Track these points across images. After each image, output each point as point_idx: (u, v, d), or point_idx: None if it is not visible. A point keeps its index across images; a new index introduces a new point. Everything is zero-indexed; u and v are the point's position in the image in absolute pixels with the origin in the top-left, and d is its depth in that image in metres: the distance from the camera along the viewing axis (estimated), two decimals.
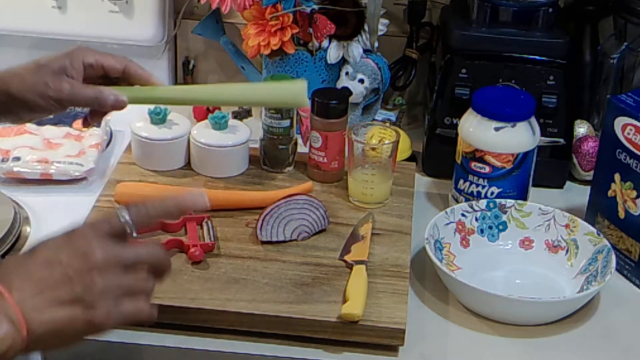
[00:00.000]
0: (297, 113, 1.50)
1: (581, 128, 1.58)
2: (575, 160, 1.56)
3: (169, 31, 1.72)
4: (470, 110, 1.42)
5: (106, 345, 1.19)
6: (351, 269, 1.28)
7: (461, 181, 1.43)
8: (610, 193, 1.37)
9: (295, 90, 1.21)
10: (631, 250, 1.35)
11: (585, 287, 1.29)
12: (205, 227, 1.32)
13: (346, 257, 1.31)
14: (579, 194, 1.51)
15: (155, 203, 0.96)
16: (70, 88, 1.14)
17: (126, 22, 1.67)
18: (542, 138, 1.44)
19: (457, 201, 1.44)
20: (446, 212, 1.37)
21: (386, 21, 1.63)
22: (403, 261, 1.31)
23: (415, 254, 1.36)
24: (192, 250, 1.26)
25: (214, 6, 1.59)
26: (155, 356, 1.20)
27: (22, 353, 0.83)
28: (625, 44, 1.57)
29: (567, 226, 1.37)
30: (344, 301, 1.21)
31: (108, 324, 0.86)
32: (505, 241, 1.39)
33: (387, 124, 1.51)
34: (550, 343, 1.24)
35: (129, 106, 1.69)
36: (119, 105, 1.16)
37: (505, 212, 1.39)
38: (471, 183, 1.42)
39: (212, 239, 1.30)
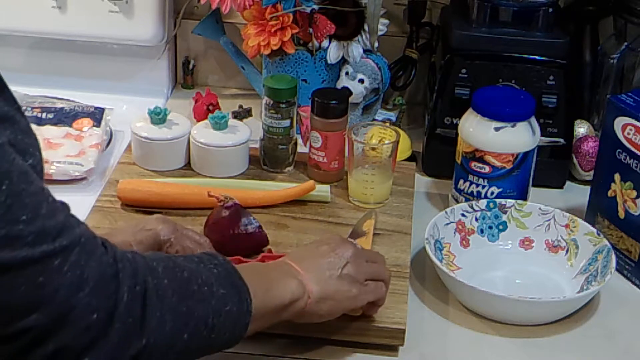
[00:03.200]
0: (297, 113, 1.50)
1: (581, 128, 1.58)
2: (575, 160, 1.56)
3: (169, 31, 1.72)
4: (470, 110, 1.42)
5: None
6: None
7: (461, 181, 1.43)
8: (610, 193, 1.37)
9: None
10: (631, 250, 1.35)
11: (585, 287, 1.29)
12: None
13: None
14: (579, 194, 1.51)
15: None
16: None
17: (126, 22, 1.67)
18: (542, 138, 1.44)
19: (457, 201, 1.44)
20: (446, 212, 1.37)
21: (386, 21, 1.63)
22: (403, 261, 1.31)
23: (415, 254, 1.36)
24: None
25: (214, 6, 1.59)
26: None
27: (302, 314, 1.10)
28: (625, 44, 1.57)
29: (567, 226, 1.37)
30: None
31: (362, 297, 1.14)
32: (505, 241, 1.39)
33: (387, 124, 1.51)
34: (550, 343, 1.24)
35: (128, 106, 1.70)
36: None
37: (505, 212, 1.39)
38: (471, 183, 1.42)
39: None
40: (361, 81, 1.61)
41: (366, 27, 1.59)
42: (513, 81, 1.50)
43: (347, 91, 1.56)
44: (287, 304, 1.07)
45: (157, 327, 0.90)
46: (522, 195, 1.43)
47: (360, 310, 1.17)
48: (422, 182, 1.55)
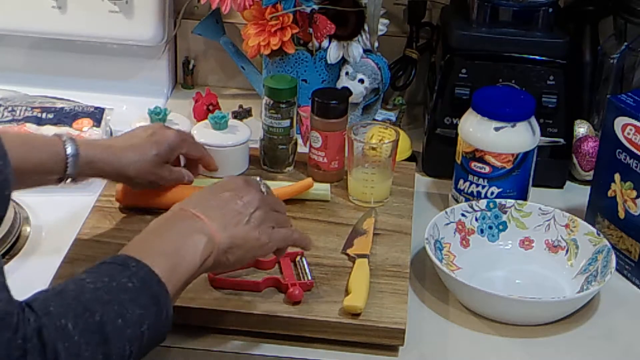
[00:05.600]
0: (297, 113, 1.50)
1: (581, 128, 1.58)
2: (575, 160, 1.56)
3: (169, 31, 1.72)
4: (470, 110, 1.42)
5: None
6: (354, 262, 1.28)
7: (461, 181, 1.43)
8: (610, 193, 1.37)
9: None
10: (631, 250, 1.35)
11: (585, 287, 1.29)
12: (300, 265, 1.28)
13: (349, 251, 1.31)
14: (579, 194, 1.51)
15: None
16: (169, 175, 1.33)
17: (126, 22, 1.67)
18: (542, 138, 1.44)
19: (457, 201, 1.44)
20: (446, 212, 1.37)
21: (386, 21, 1.63)
22: (403, 261, 1.31)
23: (415, 254, 1.36)
24: (291, 290, 1.21)
25: (214, 6, 1.59)
26: (155, 356, 1.20)
27: (210, 268, 1.08)
28: (625, 44, 1.57)
29: (567, 226, 1.37)
30: (347, 294, 1.22)
31: (270, 243, 1.14)
32: (505, 241, 1.39)
33: (387, 124, 1.51)
34: (550, 343, 1.24)
35: (128, 106, 1.70)
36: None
37: (505, 212, 1.39)
38: (471, 183, 1.42)
39: (310, 277, 1.25)
40: (361, 81, 1.61)
41: (366, 27, 1.59)
42: (513, 81, 1.50)
43: (347, 91, 1.56)
44: (199, 267, 1.06)
45: None
46: (522, 195, 1.43)
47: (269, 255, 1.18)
48: (422, 182, 1.55)
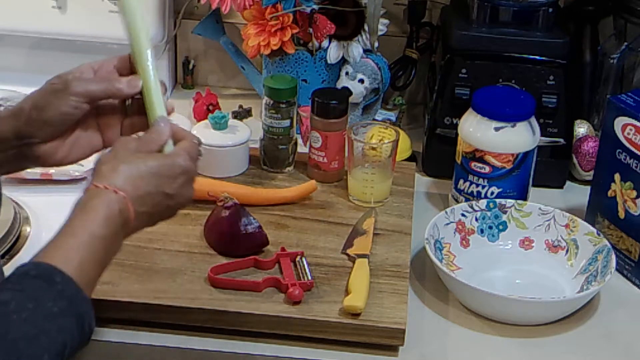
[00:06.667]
0: (297, 113, 1.51)
1: (581, 128, 1.58)
2: (575, 160, 1.56)
3: (169, 31, 1.72)
4: (470, 110, 1.42)
5: (106, 345, 1.19)
6: (354, 262, 1.28)
7: (461, 181, 1.43)
8: (610, 193, 1.37)
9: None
10: (631, 250, 1.35)
11: (585, 287, 1.29)
12: (300, 265, 1.28)
13: (349, 251, 1.31)
14: (579, 194, 1.51)
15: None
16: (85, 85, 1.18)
17: None
18: (542, 138, 1.44)
19: (457, 201, 1.44)
20: (446, 212, 1.37)
21: (386, 21, 1.63)
22: (403, 261, 1.31)
23: (415, 254, 1.36)
24: (291, 290, 1.21)
25: (214, 6, 1.60)
26: (155, 356, 1.20)
27: (127, 233, 1.03)
28: (625, 44, 1.57)
29: (567, 226, 1.37)
30: (347, 294, 1.22)
31: (178, 208, 1.09)
32: (505, 241, 1.39)
33: (387, 124, 1.51)
34: (550, 343, 1.24)
35: None
36: (134, 85, 1.20)
37: (505, 212, 1.39)
38: (471, 183, 1.42)
39: (310, 277, 1.25)
40: (361, 81, 1.61)
41: (366, 27, 1.59)
42: (513, 81, 1.50)
43: (347, 91, 1.56)
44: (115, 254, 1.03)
45: None
46: (522, 195, 1.43)
47: None
48: (422, 182, 1.55)
